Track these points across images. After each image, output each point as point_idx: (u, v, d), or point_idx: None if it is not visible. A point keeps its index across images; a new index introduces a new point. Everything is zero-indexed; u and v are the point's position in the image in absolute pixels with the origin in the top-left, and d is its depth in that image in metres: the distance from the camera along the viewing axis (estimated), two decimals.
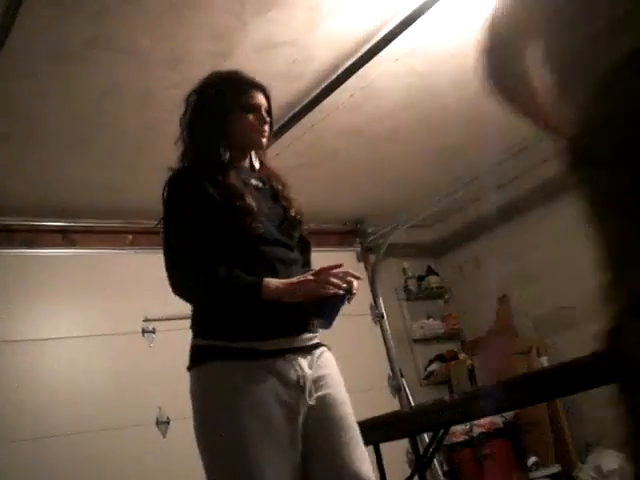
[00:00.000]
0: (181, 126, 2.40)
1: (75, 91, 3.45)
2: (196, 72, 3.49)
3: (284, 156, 4.46)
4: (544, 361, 5.35)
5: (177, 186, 2.24)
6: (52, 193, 4.45)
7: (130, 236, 5.09)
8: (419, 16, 3.28)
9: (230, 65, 3.48)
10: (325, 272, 2.02)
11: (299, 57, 3.56)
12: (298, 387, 1.99)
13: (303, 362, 2.04)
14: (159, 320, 4.84)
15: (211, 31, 3.22)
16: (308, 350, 2.09)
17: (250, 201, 2.08)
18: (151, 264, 4.98)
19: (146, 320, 4.82)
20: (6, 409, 4.11)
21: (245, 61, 3.48)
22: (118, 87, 3.50)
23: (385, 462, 3.54)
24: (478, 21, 3.56)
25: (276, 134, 4.14)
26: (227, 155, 2.22)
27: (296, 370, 2.00)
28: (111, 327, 4.69)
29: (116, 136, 3.97)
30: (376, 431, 3.26)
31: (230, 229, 2.06)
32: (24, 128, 3.67)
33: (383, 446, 3.50)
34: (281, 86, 3.78)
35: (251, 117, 2.25)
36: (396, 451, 5.01)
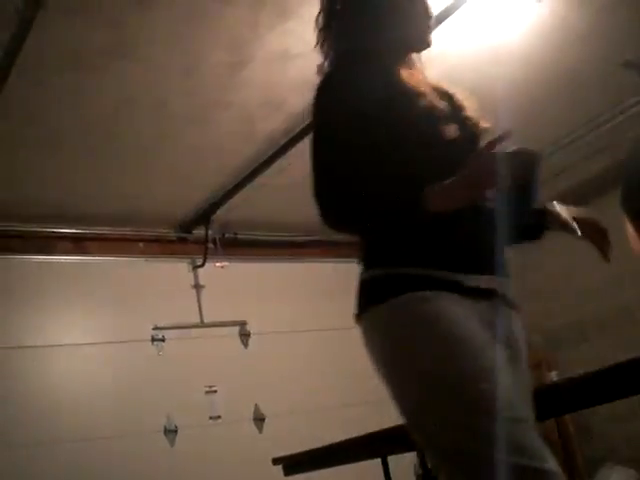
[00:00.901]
0: (330, 17, 1.86)
1: (90, 99, 3.48)
2: (211, 82, 3.54)
3: (297, 165, 4.47)
4: (553, 376, 5.32)
5: (344, 82, 1.70)
6: (65, 200, 4.47)
7: (141, 244, 5.10)
8: (434, 29, 3.28)
9: (245, 75, 3.51)
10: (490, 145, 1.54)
11: (313, 69, 3.56)
12: (505, 342, 1.64)
13: (509, 314, 1.75)
14: (169, 328, 4.85)
15: (227, 41, 3.24)
16: (510, 304, 1.79)
17: (438, 102, 1.72)
18: (161, 272, 5.08)
19: (156, 328, 4.83)
20: (16, 415, 4.12)
21: (260, 72, 3.51)
22: (133, 96, 3.52)
23: (393, 475, 3.52)
24: (491, 34, 3.57)
25: (289, 144, 4.18)
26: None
27: (504, 322, 1.69)
28: (121, 335, 4.70)
29: (130, 144, 3.99)
30: (384, 444, 3.25)
31: (415, 133, 1.64)
32: (39, 136, 3.69)
33: (391, 459, 3.48)
34: (296, 97, 3.79)
35: (419, 7, 1.84)
36: (404, 464, 4.98)
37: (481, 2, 3.19)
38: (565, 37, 3.70)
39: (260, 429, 4.98)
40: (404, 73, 1.72)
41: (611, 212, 5.46)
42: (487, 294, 1.67)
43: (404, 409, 1.61)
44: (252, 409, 5.00)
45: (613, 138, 4.68)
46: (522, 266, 5.78)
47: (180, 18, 3.02)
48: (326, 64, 1.88)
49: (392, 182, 1.59)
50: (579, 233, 1.86)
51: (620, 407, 4.88)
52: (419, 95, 1.67)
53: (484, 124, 1.90)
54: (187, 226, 5.22)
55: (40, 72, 3.18)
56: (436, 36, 3.35)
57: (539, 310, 5.69)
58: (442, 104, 1.72)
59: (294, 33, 3.25)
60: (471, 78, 3.92)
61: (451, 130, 1.69)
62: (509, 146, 1.57)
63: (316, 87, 1.74)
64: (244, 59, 3.39)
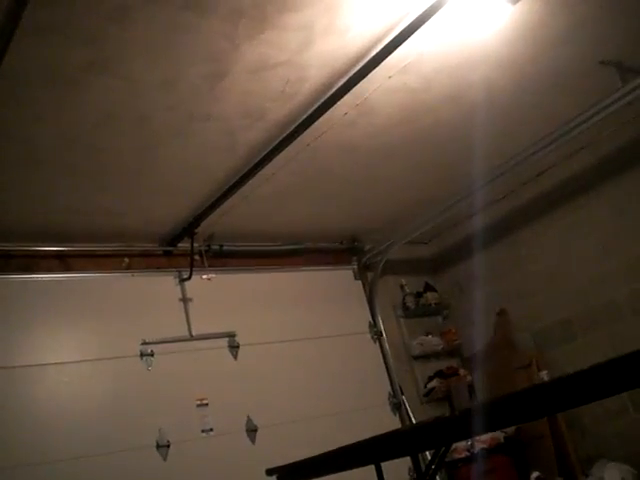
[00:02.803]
0: None
1: (70, 116, 3.46)
2: (191, 94, 3.54)
3: (279, 176, 4.49)
4: (544, 375, 5.34)
5: None
6: (48, 218, 4.45)
7: (127, 259, 5.09)
8: (412, 33, 3.30)
9: (224, 87, 3.52)
10: None
11: (293, 77, 3.58)
12: None
13: None
14: (157, 343, 4.83)
15: (205, 54, 3.24)
16: None
17: None
18: (148, 286, 5.06)
19: (144, 343, 4.81)
20: (4, 435, 4.08)
21: (240, 83, 3.51)
22: (113, 111, 3.51)
23: None
24: (468, 38, 3.61)
25: (271, 154, 4.19)
26: None
27: None
28: (109, 351, 4.67)
29: (111, 160, 3.98)
30: (377, 450, 3.25)
31: None
32: (19, 153, 3.67)
33: (384, 465, 3.48)
34: (275, 106, 3.80)
35: None
36: (398, 470, 4.98)
37: (457, 6, 3.20)
38: (541, 39, 3.73)
39: (253, 440, 4.97)
40: None
41: (595, 210, 5.53)
42: None
43: None
44: (244, 421, 4.98)
45: (593, 136, 4.73)
46: (509, 265, 5.84)
47: (158, 32, 3.01)
48: None
49: None
50: None
51: (611, 404, 4.92)
52: None
53: None
54: (172, 239, 5.21)
55: (20, 88, 3.16)
56: (414, 42, 3.39)
57: (528, 310, 5.73)
58: None
59: (273, 43, 3.26)
60: (449, 82, 3.96)
61: None
62: None
63: None
64: (223, 71, 3.39)
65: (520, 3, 3.24)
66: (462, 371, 6.12)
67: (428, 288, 6.49)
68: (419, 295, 6.43)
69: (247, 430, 4.97)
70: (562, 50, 3.89)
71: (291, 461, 3.26)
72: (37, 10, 2.66)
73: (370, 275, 6.26)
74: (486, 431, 4.58)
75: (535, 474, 5.10)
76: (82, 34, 2.92)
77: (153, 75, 3.30)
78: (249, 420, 4.99)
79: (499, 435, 5.27)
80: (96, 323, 4.70)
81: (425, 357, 6.23)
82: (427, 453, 4.78)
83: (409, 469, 5.26)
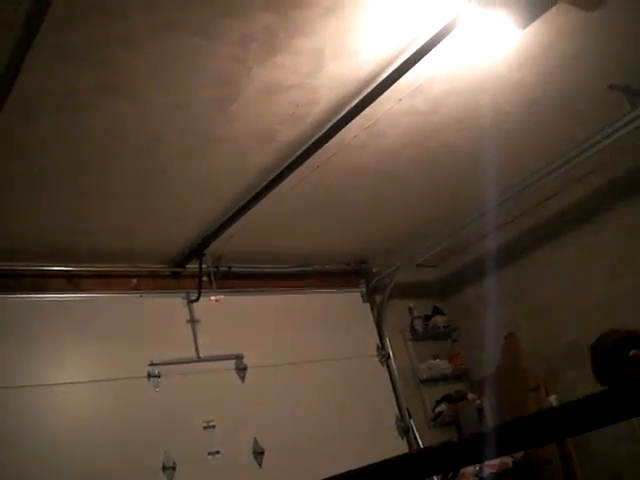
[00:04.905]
0: None
1: (81, 138, 3.49)
2: (202, 117, 3.57)
3: (289, 198, 4.50)
4: (553, 399, 5.30)
5: None
6: (58, 238, 4.47)
7: (135, 280, 5.10)
8: (422, 57, 3.32)
9: (235, 110, 3.54)
10: None
11: (303, 100, 3.60)
12: None
13: None
14: (165, 364, 4.82)
15: (217, 77, 3.26)
16: None
17: None
18: (156, 307, 5.06)
19: (152, 364, 4.80)
20: (9, 455, 4.07)
21: (251, 105, 3.53)
22: (124, 133, 3.54)
23: None
24: (477, 62, 3.63)
25: (281, 176, 4.21)
26: None
27: None
28: (117, 372, 4.67)
29: (121, 181, 4.00)
30: (384, 474, 3.22)
31: None
32: (30, 174, 3.70)
33: None
34: (285, 129, 3.82)
35: None
36: None
37: (466, 31, 3.22)
38: (550, 63, 3.74)
39: (260, 463, 4.94)
40: None
41: (605, 233, 5.50)
42: None
43: None
44: (251, 443, 4.96)
45: (602, 159, 4.73)
46: (518, 289, 5.82)
47: (169, 56, 3.04)
48: None
49: None
50: None
51: (620, 429, 4.86)
52: None
53: None
54: (181, 261, 5.22)
55: (31, 111, 3.19)
56: (423, 65, 3.41)
57: (537, 334, 5.69)
58: None
59: (284, 66, 3.28)
60: (457, 105, 3.97)
61: None
62: None
63: None
64: (235, 93, 3.41)
65: (529, 28, 3.25)
66: (470, 395, 6.08)
67: (436, 311, 6.47)
68: (427, 318, 6.41)
69: (254, 452, 4.94)
70: (570, 74, 3.90)
71: None
72: (49, 35, 2.69)
73: (378, 298, 6.24)
74: (495, 456, 4.55)
75: None
76: (93, 58, 2.95)
77: (164, 98, 3.33)
78: (256, 443, 4.97)
79: (508, 460, 5.23)
80: (103, 344, 4.70)
81: (433, 381, 6.20)
82: (435, 478, 4.73)
83: None
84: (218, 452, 4.78)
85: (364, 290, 6.25)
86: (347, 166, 4.38)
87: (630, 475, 4.89)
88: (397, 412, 5.82)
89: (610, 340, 3.13)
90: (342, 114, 3.73)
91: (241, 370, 5.20)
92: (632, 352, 2.99)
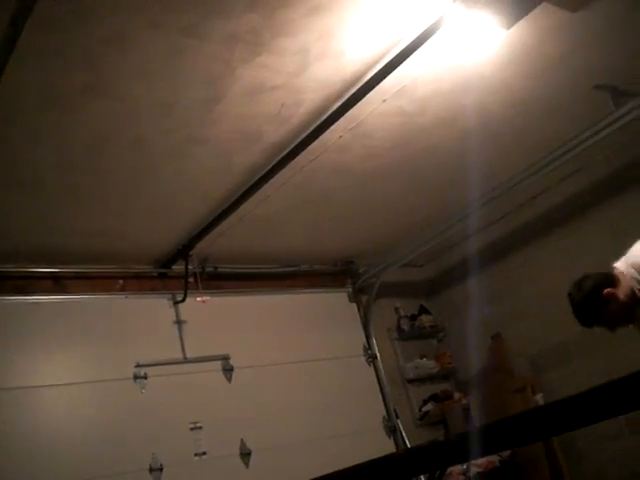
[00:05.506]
0: None
1: (66, 138, 3.47)
2: (187, 117, 3.55)
3: (274, 198, 4.49)
4: (539, 398, 5.32)
5: None
6: (43, 239, 4.44)
7: (121, 281, 5.08)
8: (406, 57, 3.32)
9: (221, 109, 3.53)
10: None
11: (288, 101, 3.59)
12: None
13: None
14: (151, 365, 4.81)
15: (201, 77, 3.25)
16: None
17: None
18: (142, 308, 5.04)
19: (138, 365, 4.78)
20: None
21: (236, 105, 3.52)
22: (110, 133, 3.52)
23: None
24: (462, 63, 3.64)
25: (266, 176, 4.20)
26: None
27: None
28: (102, 373, 4.65)
29: (107, 182, 3.98)
30: (371, 474, 3.22)
31: None
32: (14, 175, 3.67)
33: None
34: (271, 129, 3.82)
35: None
36: None
37: (450, 31, 3.23)
38: (535, 63, 3.76)
39: (247, 464, 4.93)
40: None
41: (590, 231, 5.52)
42: None
43: None
44: (238, 444, 4.95)
45: (587, 159, 4.75)
46: (505, 288, 5.83)
47: (155, 56, 3.03)
48: None
49: None
50: None
51: (607, 428, 4.89)
52: None
53: None
54: (167, 262, 5.20)
55: (17, 111, 3.17)
56: (408, 66, 3.42)
57: (522, 334, 5.71)
58: None
59: (269, 67, 3.28)
60: (443, 105, 3.98)
61: None
62: None
63: None
64: (220, 94, 3.41)
65: (514, 28, 3.26)
66: (457, 394, 6.09)
67: (423, 311, 6.49)
68: (414, 318, 6.42)
69: (241, 453, 4.94)
70: (556, 74, 3.92)
71: None
72: (34, 34, 2.67)
73: (365, 298, 6.25)
74: (482, 455, 4.57)
75: None
76: (79, 58, 2.93)
77: (150, 98, 3.31)
78: (243, 443, 4.96)
79: (495, 459, 5.24)
80: (89, 345, 4.68)
81: (420, 380, 6.21)
82: (422, 477, 4.74)
83: None
84: (205, 453, 4.77)
85: (350, 290, 6.26)
86: (332, 167, 4.38)
87: (616, 473, 4.92)
88: (384, 412, 5.82)
89: (583, 284, 3.36)
90: (327, 115, 3.72)
91: (228, 371, 5.19)
92: (606, 290, 3.24)
